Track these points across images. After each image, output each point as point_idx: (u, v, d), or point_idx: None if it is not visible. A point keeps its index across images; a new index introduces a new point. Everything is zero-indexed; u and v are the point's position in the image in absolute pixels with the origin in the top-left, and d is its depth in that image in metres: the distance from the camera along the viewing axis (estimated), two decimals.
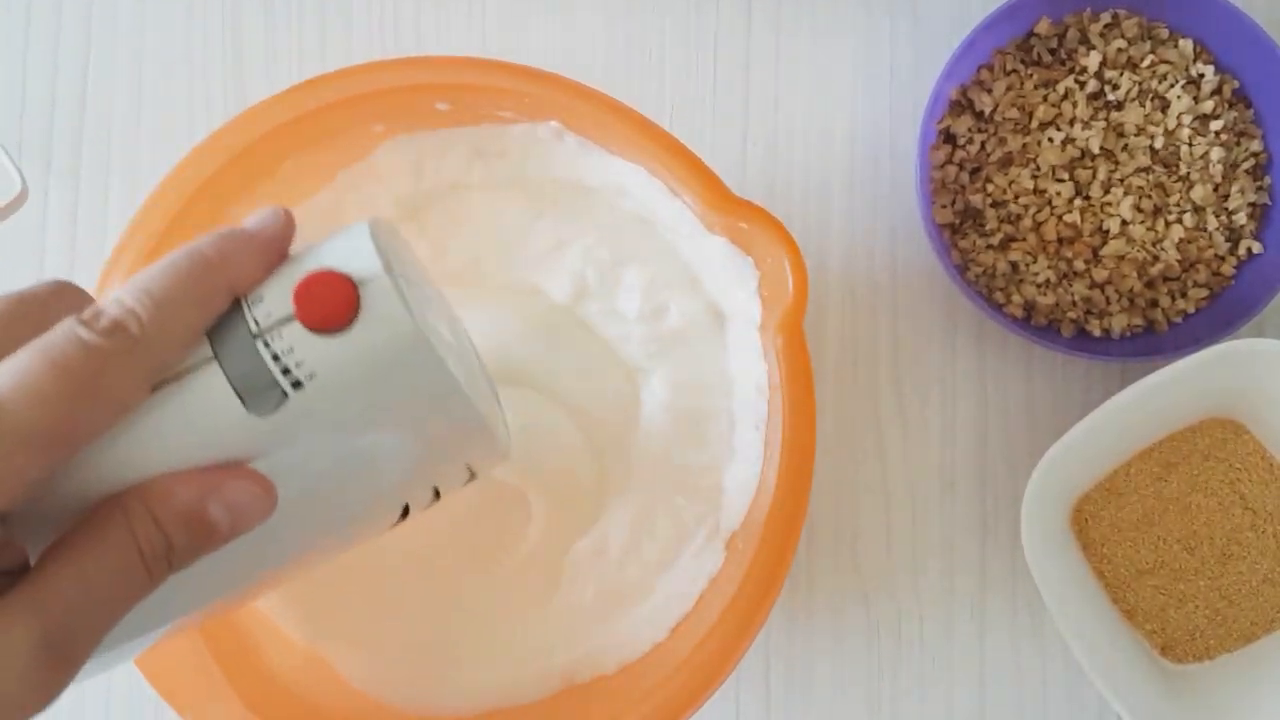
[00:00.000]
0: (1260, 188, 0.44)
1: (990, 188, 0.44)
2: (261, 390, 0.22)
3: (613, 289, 0.41)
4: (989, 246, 0.44)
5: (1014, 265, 0.44)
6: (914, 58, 0.48)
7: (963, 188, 0.45)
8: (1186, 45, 0.44)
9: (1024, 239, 0.44)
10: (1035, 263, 0.44)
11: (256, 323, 0.22)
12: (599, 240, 0.41)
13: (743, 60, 0.48)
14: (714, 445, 0.40)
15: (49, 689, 0.20)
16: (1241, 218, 0.44)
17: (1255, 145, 0.44)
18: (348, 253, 0.23)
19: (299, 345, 0.22)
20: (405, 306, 0.23)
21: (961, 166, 0.45)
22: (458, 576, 0.40)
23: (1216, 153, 0.43)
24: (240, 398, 0.22)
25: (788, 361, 0.34)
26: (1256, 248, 0.44)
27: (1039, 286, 0.44)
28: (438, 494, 0.29)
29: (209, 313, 0.23)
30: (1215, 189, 0.44)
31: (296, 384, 0.22)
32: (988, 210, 0.44)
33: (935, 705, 0.45)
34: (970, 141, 0.44)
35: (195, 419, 0.22)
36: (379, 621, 0.39)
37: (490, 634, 0.40)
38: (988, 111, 0.44)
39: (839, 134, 0.47)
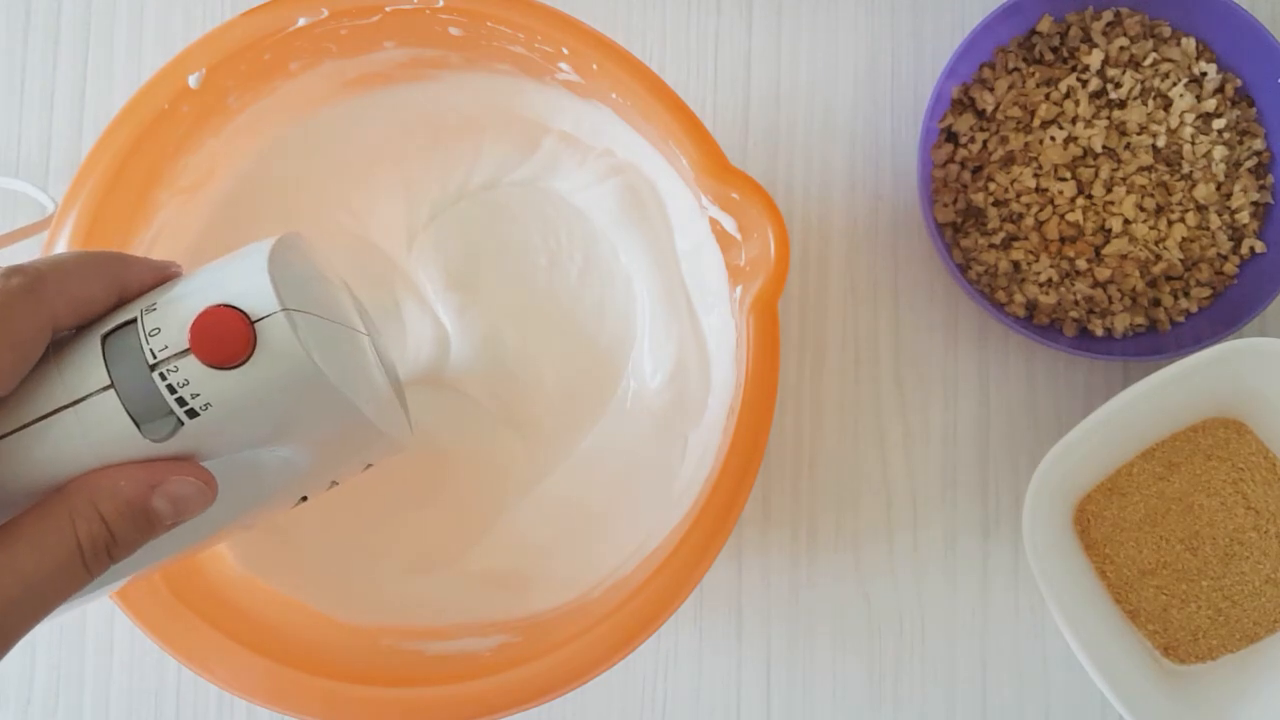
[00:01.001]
0: (1263, 186, 0.44)
1: (992, 186, 0.44)
2: (157, 418, 0.23)
3: (610, 266, 0.42)
4: (991, 245, 0.44)
5: (1016, 264, 0.44)
6: (915, 56, 0.48)
7: (964, 186, 0.44)
8: (1189, 43, 0.44)
9: (1026, 238, 0.44)
10: (1037, 262, 0.44)
11: (153, 354, 0.23)
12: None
13: (744, 58, 0.48)
14: (686, 408, 0.41)
15: None
16: (1244, 217, 0.44)
17: (1258, 144, 0.44)
18: (244, 286, 0.24)
19: (194, 379, 0.23)
20: (300, 342, 0.23)
21: (963, 165, 0.44)
22: (403, 498, 0.42)
23: (1219, 151, 0.43)
24: (136, 424, 0.23)
25: (758, 330, 0.35)
26: (1259, 247, 0.44)
27: (1041, 285, 0.44)
28: (335, 483, 0.31)
29: (101, 286, 0.24)
30: (1218, 188, 0.44)
31: (192, 413, 0.23)
32: (989, 209, 0.44)
33: (937, 705, 0.45)
34: (972, 140, 0.44)
35: (93, 440, 0.23)
36: (312, 536, 0.41)
37: (427, 548, 0.41)
38: (989, 110, 0.44)
39: (840, 132, 0.47)
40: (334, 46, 0.39)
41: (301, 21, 0.37)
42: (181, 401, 0.23)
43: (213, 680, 0.34)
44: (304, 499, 0.30)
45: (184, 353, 0.23)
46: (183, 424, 0.23)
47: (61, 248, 0.36)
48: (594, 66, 0.37)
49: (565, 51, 0.37)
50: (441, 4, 0.36)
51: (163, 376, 0.23)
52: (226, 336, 0.23)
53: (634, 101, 0.37)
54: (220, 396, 0.23)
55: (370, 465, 0.32)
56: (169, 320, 0.23)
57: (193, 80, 0.37)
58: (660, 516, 0.39)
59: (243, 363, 0.23)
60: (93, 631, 0.46)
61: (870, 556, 0.46)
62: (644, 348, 0.42)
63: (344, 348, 0.27)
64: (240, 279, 0.24)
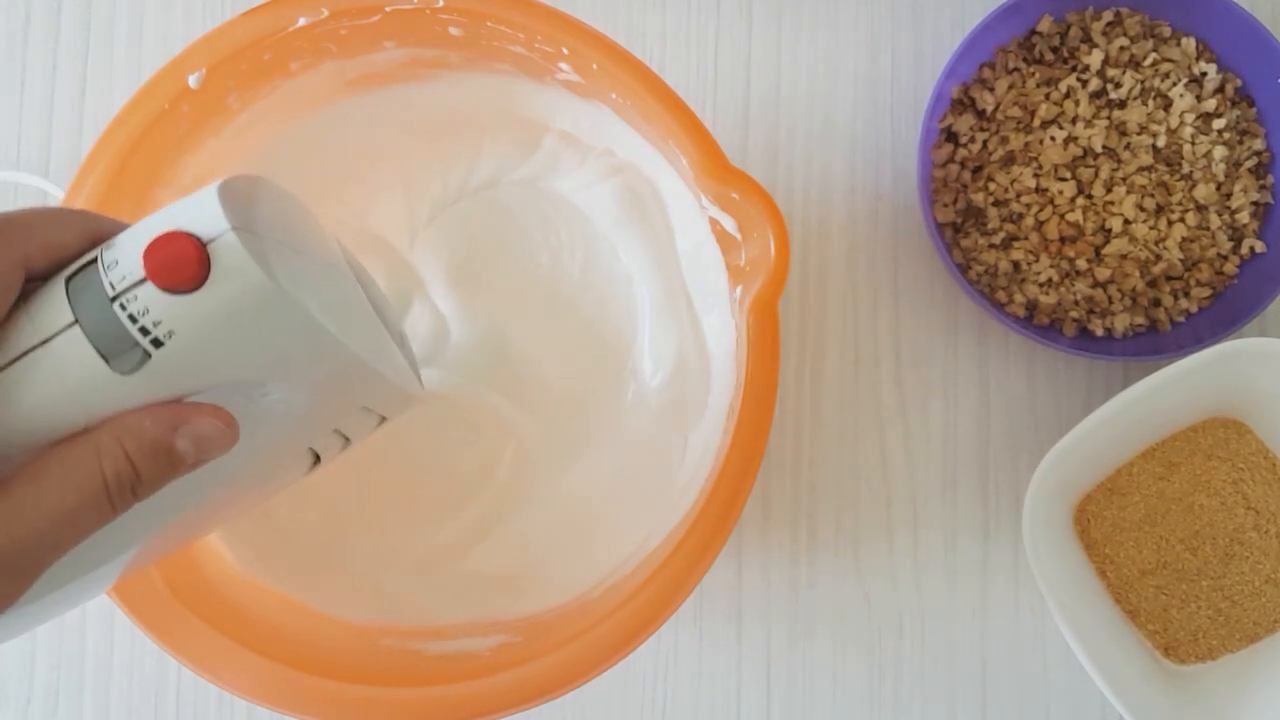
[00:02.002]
0: (1263, 186, 0.44)
1: (992, 186, 0.44)
2: (123, 350, 0.23)
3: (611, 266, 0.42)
4: (991, 245, 0.44)
5: (1016, 264, 0.44)
6: (915, 56, 0.48)
7: (964, 186, 0.44)
8: (1189, 44, 0.44)
9: (1026, 238, 0.44)
10: (1037, 262, 0.44)
11: (113, 285, 0.23)
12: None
13: (744, 58, 0.48)
14: (687, 409, 0.41)
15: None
16: (1244, 216, 0.44)
17: (1258, 144, 0.44)
18: (196, 212, 0.24)
19: (154, 306, 0.23)
20: (256, 261, 0.23)
21: (963, 165, 0.44)
22: (411, 500, 0.42)
23: (1219, 151, 0.43)
24: (104, 358, 0.23)
25: (758, 330, 0.35)
26: (1259, 247, 0.44)
27: (1041, 286, 0.44)
28: (347, 440, 0.31)
29: (74, 235, 0.25)
30: (1218, 188, 0.44)
31: (156, 342, 0.23)
32: (989, 209, 0.44)
33: (937, 706, 0.45)
34: (972, 140, 0.44)
35: (66, 379, 0.23)
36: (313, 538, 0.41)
37: (421, 550, 0.41)
38: (989, 110, 0.44)
39: (840, 132, 0.47)
40: (334, 46, 0.39)
41: (301, 21, 0.37)
42: (145, 331, 0.23)
43: (212, 680, 0.34)
44: (317, 460, 0.30)
45: (141, 281, 0.23)
46: (150, 355, 0.23)
47: None
48: (594, 66, 0.37)
49: (565, 51, 0.37)
50: (441, 4, 0.36)
51: (123, 307, 0.23)
52: (178, 259, 0.23)
53: (634, 101, 0.37)
54: (182, 323, 0.23)
55: (384, 420, 0.31)
56: (126, 252, 0.24)
57: (193, 80, 0.37)
58: (660, 516, 0.39)
59: (199, 286, 0.23)
60: (93, 631, 0.46)
61: (870, 556, 0.46)
62: (644, 347, 0.42)
63: (318, 278, 0.27)
64: (192, 206, 0.24)
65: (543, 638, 0.36)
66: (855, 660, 0.45)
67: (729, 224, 0.36)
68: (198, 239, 0.23)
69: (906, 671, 0.45)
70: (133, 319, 0.23)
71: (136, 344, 0.23)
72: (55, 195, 0.46)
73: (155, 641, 0.35)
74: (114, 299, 0.23)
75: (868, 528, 0.46)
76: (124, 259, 0.23)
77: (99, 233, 0.25)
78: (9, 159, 0.48)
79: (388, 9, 0.37)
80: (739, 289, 0.36)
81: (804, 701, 0.45)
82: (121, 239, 0.24)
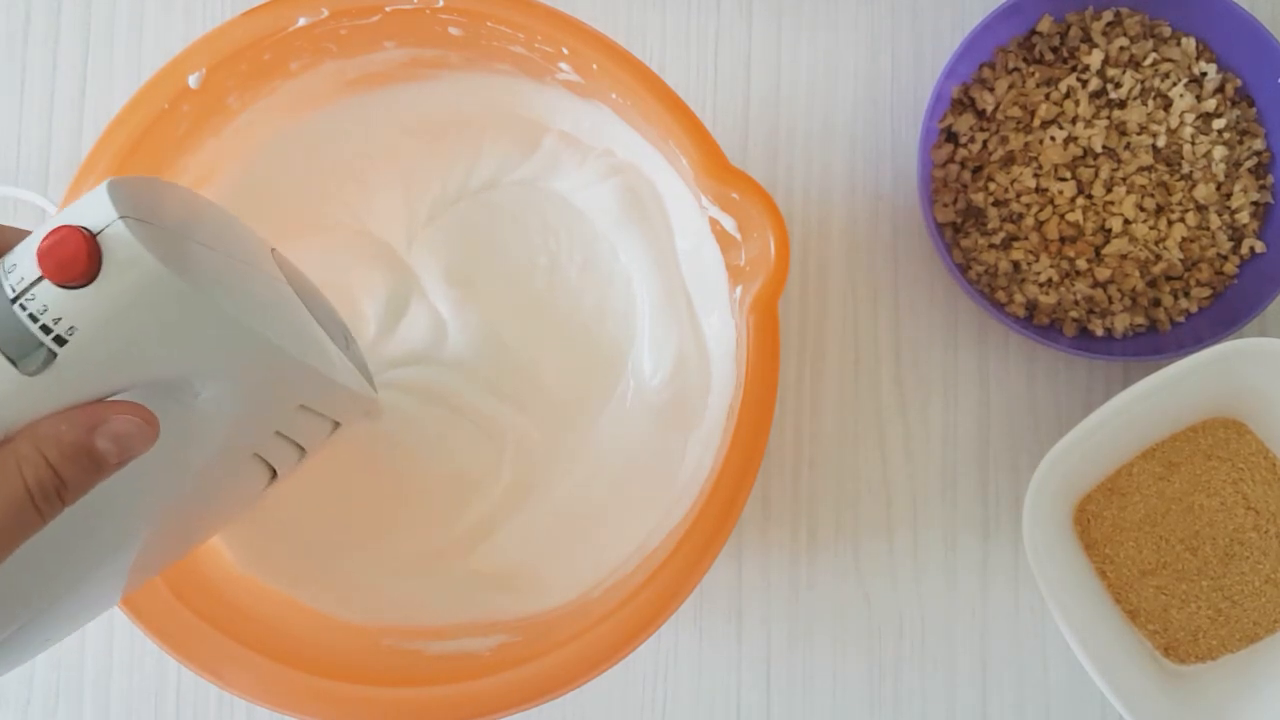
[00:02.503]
0: (1263, 186, 0.44)
1: (992, 186, 0.44)
2: (29, 352, 0.23)
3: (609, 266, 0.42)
4: (991, 245, 0.44)
5: (1016, 264, 0.44)
6: (915, 56, 0.48)
7: (964, 186, 0.44)
8: (1189, 43, 0.44)
9: (1026, 238, 0.44)
10: (1037, 262, 0.44)
11: (12, 288, 0.23)
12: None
13: (744, 58, 0.48)
14: (687, 409, 0.41)
15: None
16: (1244, 216, 0.44)
17: (1258, 144, 0.44)
18: (86, 207, 0.24)
19: (53, 303, 0.23)
20: (147, 248, 0.23)
21: (963, 165, 0.44)
22: (412, 505, 0.42)
23: (1219, 151, 0.43)
24: (10, 361, 0.23)
25: (758, 330, 0.35)
26: (1259, 247, 0.44)
27: (1041, 286, 0.44)
28: (301, 448, 0.30)
29: None
30: (1218, 188, 0.44)
31: (59, 340, 0.23)
32: (989, 209, 0.44)
33: (937, 706, 0.45)
34: (972, 140, 0.44)
35: None
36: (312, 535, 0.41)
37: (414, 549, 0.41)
38: (989, 110, 0.44)
39: (840, 132, 0.47)
40: (334, 46, 0.39)
41: (301, 21, 0.37)
42: (46, 329, 0.23)
43: (213, 680, 0.34)
44: (274, 474, 0.30)
45: (38, 280, 0.23)
46: (55, 354, 0.23)
47: None
48: (594, 66, 0.37)
49: (565, 51, 0.37)
50: (441, 4, 0.36)
51: (23, 307, 0.23)
52: (69, 253, 0.23)
53: (634, 101, 0.37)
54: (82, 317, 0.23)
55: (338, 425, 0.31)
56: (22, 254, 0.24)
57: (193, 80, 0.37)
58: (660, 516, 0.39)
59: (94, 277, 0.23)
60: (93, 631, 0.46)
61: (870, 556, 0.46)
62: (644, 347, 0.42)
63: (229, 273, 0.27)
64: (84, 202, 0.24)
65: (543, 638, 0.36)
66: (855, 660, 0.45)
67: (729, 224, 0.36)
68: (86, 230, 0.23)
69: (906, 671, 0.45)
70: (33, 318, 0.23)
71: (40, 343, 0.23)
72: (49, 211, 0.46)
73: (155, 641, 0.35)
74: (14, 300, 0.23)
75: (868, 528, 0.46)
76: (21, 261, 0.24)
77: (4, 245, 0.25)
78: (9, 159, 0.48)
79: (388, 9, 0.37)
80: (739, 289, 0.36)
81: (804, 701, 0.45)
82: (22, 244, 0.24)
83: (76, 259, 0.23)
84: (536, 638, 0.37)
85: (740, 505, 0.34)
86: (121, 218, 0.23)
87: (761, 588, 0.45)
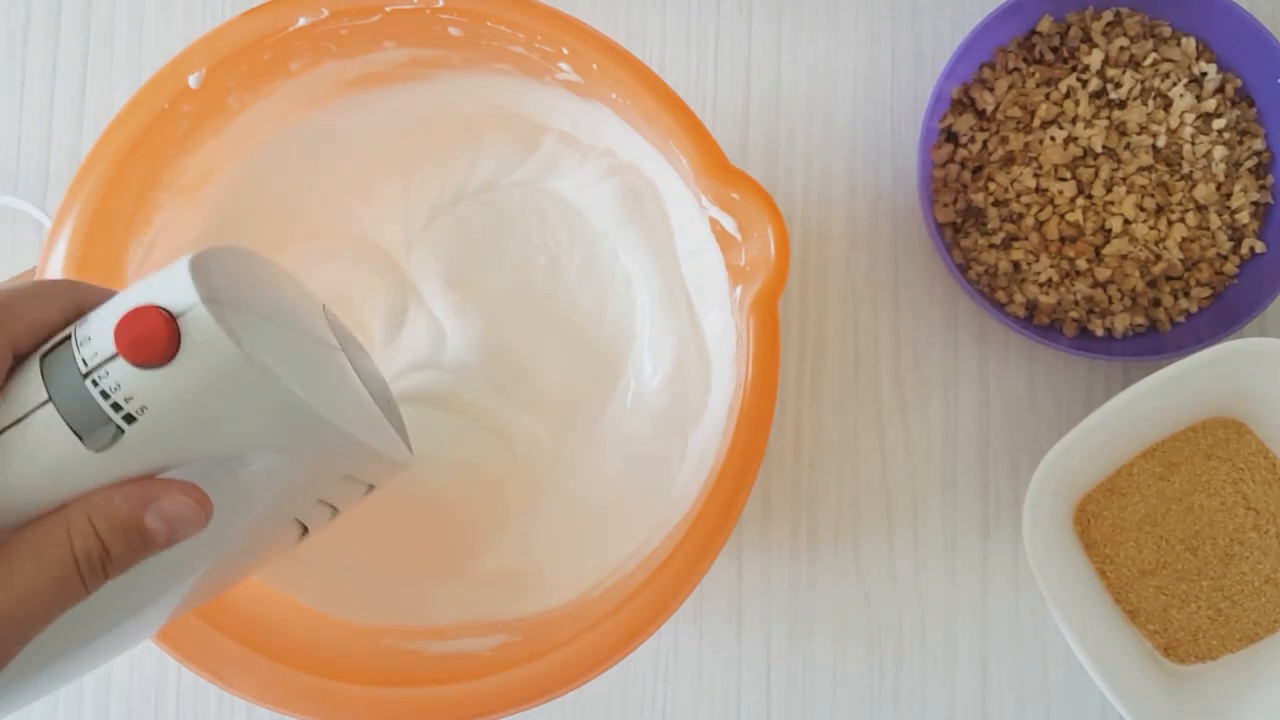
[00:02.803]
0: (1263, 186, 0.44)
1: (992, 186, 0.44)
2: (96, 427, 0.23)
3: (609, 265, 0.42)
4: (991, 245, 0.44)
5: (1016, 264, 0.44)
6: (915, 56, 0.48)
7: (964, 186, 0.44)
8: (1189, 43, 0.44)
9: (1026, 238, 0.44)
10: (1037, 262, 0.44)
11: (85, 362, 0.23)
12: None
13: (744, 59, 0.48)
14: (687, 409, 0.41)
15: None
16: (1244, 217, 0.44)
17: (1258, 144, 0.44)
18: (166, 285, 0.24)
19: (125, 381, 0.23)
20: (227, 333, 0.23)
21: (963, 165, 0.44)
22: (422, 509, 0.42)
23: (1219, 151, 0.43)
24: (77, 435, 0.23)
25: (758, 330, 0.35)
26: (1259, 247, 0.44)
27: (1041, 286, 0.44)
28: (335, 509, 0.30)
29: (58, 309, 0.25)
30: (1218, 188, 0.44)
31: (129, 418, 0.23)
32: (989, 209, 0.44)
33: (937, 706, 0.45)
34: (972, 140, 0.44)
35: (40, 458, 0.23)
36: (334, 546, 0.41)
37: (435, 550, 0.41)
38: (989, 110, 0.44)
39: (840, 132, 0.47)
40: (334, 46, 0.39)
41: (301, 21, 0.37)
42: (117, 407, 0.23)
43: (213, 680, 0.34)
44: (305, 531, 0.30)
45: (113, 357, 0.23)
46: (123, 431, 0.23)
47: (60, 250, 0.36)
48: (594, 66, 0.37)
49: (565, 51, 0.37)
50: (441, 4, 0.36)
51: (95, 383, 0.23)
52: (148, 334, 0.23)
53: (634, 101, 0.37)
54: (154, 398, 0.23)
55: (372, 488, 0.31)
56: (98, 328, 0.24)
57: (193, 80, 0.37)
58: (660, 516, 0.39)
59: (170, 360, 0.23)
60: None
61: (870, 556, 0.46)
62: (644, 348, 0.41)
63: (293, 347, 0.27)
64: (164, 280, 0.24)
65: (543, 638, 0.36)
66: (855, 660, 0.45)
67: (729, 224, 0.36)
68: (167, 312, 0.23)
69: (906, 671, 0.45)
70: (105, 395, 0.23)
71: (109, 420, 0.23)
72: (45, 223, 0.46)
73: (155, 641, 0.35)
74: (86, 375, 0.23)
75: (868, 527, 0.46)
76: (96, 335, 0.23)
77: (83, 304, 0.25)
78: (8, 159, 0.48)
79: (388, 9, 0.37)
80: (739, 289, 0.36)
81: (804, 701, 0.45)
82: (95, 315, 0.24)
83: (155, 341, 0.23)
84: (536, 638, 0.37)
85: (740, 505, 0.34)
86: (203, 301, 0.23)
87: (761, 587, 0.45)
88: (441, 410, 0.41)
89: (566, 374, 0.42)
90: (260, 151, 0.41)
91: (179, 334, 0.23)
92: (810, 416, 0.46)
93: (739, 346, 0.37)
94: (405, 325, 0.42)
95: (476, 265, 0.42)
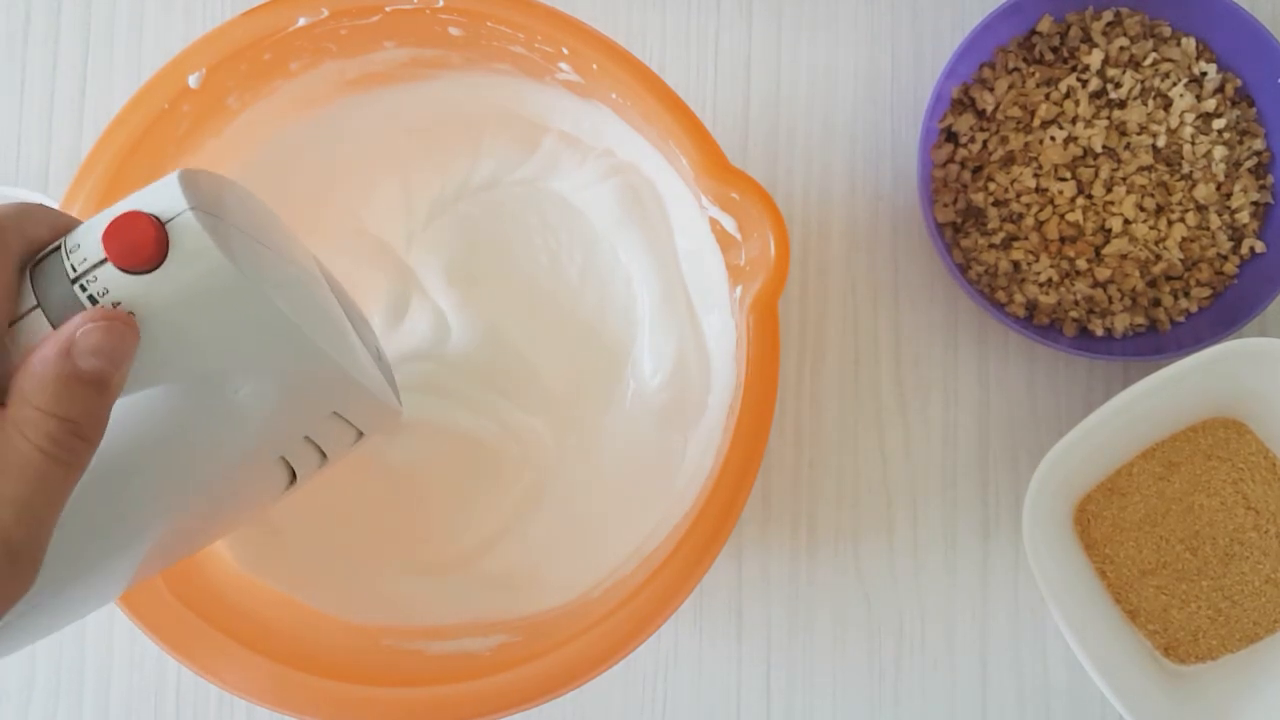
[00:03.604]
0: (1263, 186, 0.44)
1: (992, 186, 0.44)
2: None
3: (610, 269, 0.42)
4: (991, 245, 0.44)
5: (1016, 264, 0.44)
6: (915, 56, 0.48)
7: (964, 186, 0.44)
8: (1189, 43, 0.44)
9: (1026, 238, 0.44)
10: (1037, 262, 0.44)
11: (74, 268, 0.23)
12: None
13: (744, 58, 0.48)
14: (686, 409, 0.41)
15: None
16: (1244, 216, 0.44)
17: (1258, 144, 0.44)
18: (156, 195, 0.24)
19: (114, 286, 0.23)
20: (216, 242, 0.23)
21: (963, 165, 0.44)
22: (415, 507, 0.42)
23: (1219, 151, 0.43)
24: None
25: (758, 330, 0.35)
26: (1259, 247, 0.44)
27: (1041, 285, 0.44)
28: (323, 455, 0.30)
29: (47, 227, 0.25)
30: (1218, 188, 0.44)
31: None
32: (989, 209, 0.44)
33: (937, 706, 0.45)
34: (972, 140, 0.44)
35: None
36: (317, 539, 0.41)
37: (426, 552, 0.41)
38: (989, 110, 0.44)
39: (840, 132, 0.47)
40: (334, 46, 0.39)
41: (301, 21, 0.37)
42: None
43: (213, 680, 0.34)
44: (294, 478, 0.30)
45: (101, 262, 0.23)
46: None
47: None
48: (594, 66, 0.37)
49: (565, 51, 0.37)
50: (441, 4, 0.36)
51: (83, 288, 0.23)
52: (137, 238, 0.23)
53: (634, 101, 0.37)
54: (142, 302, 0.23)
55: (361, 436, 0.31)
56: (87, 235, 0.24)
57: (193, 80, 0.37)
58: (660, 516, 0.39)
59: (158, 265, 0.23)
60: (93, 631, 0.46)
61: (870, 556, 0.46)
62: (644, 347, 0.42)
63: (284, 274, 0.27)
64: (154, 190, 0.24)
65: (543, 638, 0.36)
66: (855, 659, 0.45)
67: (729, 224, 0.36)
68: (156, 218, 0.23)
69: (906, 670, 0.45)
70: (93, 299, 0.23)
71: None
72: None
73: (155, 641, 0.35)
74: (74, 280, 0.23)
75: (867, 527, 0.46)
76: (85, 243, 0.24)
77: (67, 227, 0.25)
78: (8, 159, 0.48)
79: (388, 9, 0.37)
80: (739, 289, 0.36)
81: (804, 700, 0.45)
82: (85, 225, 0.24)
83: (144, 245, 0.23)
84: (536, 638, 0.37)
85: (740, 505, 0.34)
86: (191, 209, 0.23)
87: (761, 587, 0.45)
88: (441, 409, 0.41)
89: (566, 373, 0.42)
90: (260, 152, 0.41)
91: (167, 239, 0.23)
92: (810, 416, 0.46)
93: (739, 346, 0.37)
94: (405, 321, 0.42)
95: (477, 263, 0.42)
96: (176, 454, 0.26)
